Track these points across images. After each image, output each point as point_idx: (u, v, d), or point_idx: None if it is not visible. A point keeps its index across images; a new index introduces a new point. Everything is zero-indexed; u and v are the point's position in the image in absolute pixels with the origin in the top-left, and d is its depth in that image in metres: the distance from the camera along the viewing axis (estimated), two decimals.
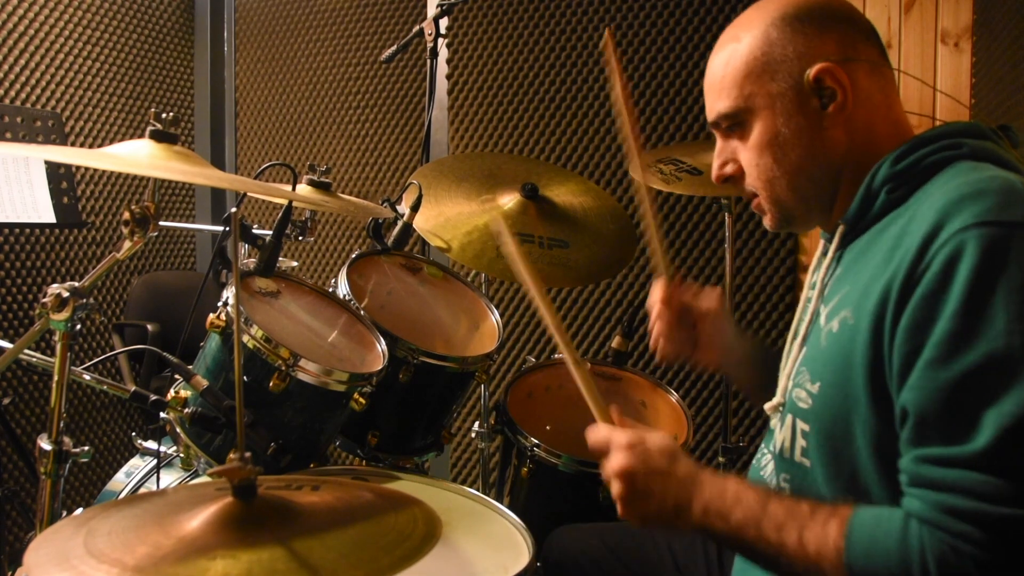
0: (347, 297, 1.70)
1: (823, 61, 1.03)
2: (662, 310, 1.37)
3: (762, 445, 1.21)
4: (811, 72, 1.03)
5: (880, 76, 1.06)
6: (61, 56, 2.83)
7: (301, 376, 1.44)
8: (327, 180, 1.77)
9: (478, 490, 1.49)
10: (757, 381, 1.37)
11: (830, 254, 1.09)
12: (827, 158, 1.06)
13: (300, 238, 1.99)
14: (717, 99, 1.10)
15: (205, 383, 1.41)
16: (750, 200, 1.15)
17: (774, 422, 1.15)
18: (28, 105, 2.71)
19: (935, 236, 0.89)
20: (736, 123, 1.10)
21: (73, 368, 1.28)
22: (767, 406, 1.14)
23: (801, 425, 1.05)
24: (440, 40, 2.38)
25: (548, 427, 1.89)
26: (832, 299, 1.05)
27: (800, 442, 1.05)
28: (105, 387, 1.49)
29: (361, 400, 1.53)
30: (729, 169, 1.14)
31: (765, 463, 1.18)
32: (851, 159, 1.06)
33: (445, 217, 2.02)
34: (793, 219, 1.13)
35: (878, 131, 1.05)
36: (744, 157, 1.11)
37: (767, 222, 1.15)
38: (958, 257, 0.86)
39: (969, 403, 0.85)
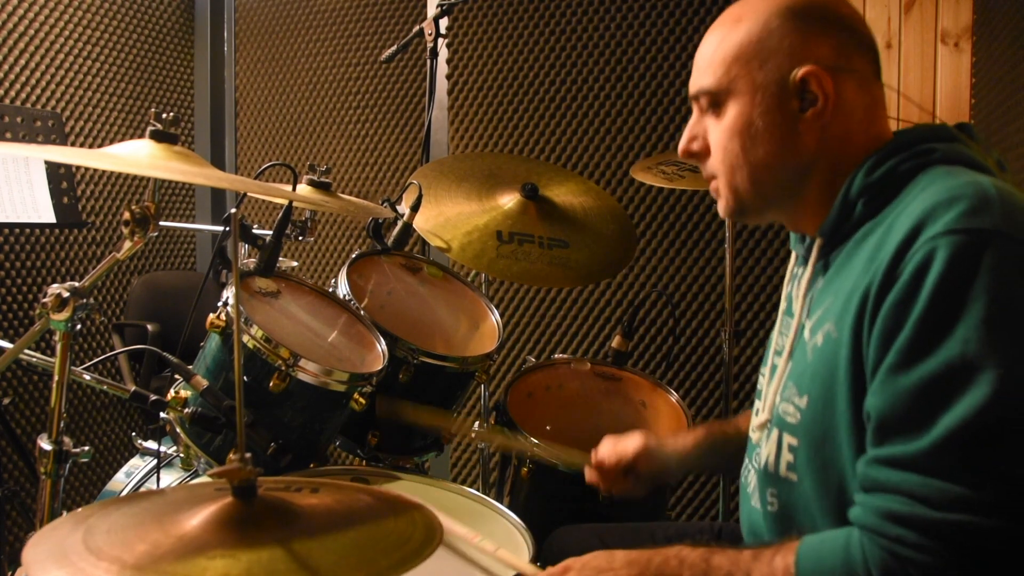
0: (347, 297, 1.70)
1: (814, 63, 1.02)
2: (599, 482, 1.46)
3: (745, 460, 1.21)
4: (799, 72, 1.02)
5: (868, 92, 1.05)
6: (61, 56, 2.83)
7: (301, 376, 1.44)
8: (327, 180, 1.77)
9: (478, 490, 1.49)
10: (712, 469, 1.39)
11: (810, 267, 1.08)
12: (794, 160, 1.05)
13: (300, 238, 1.99)
14: (703, 74, 1.09)
15: (205, 383, 1.41)
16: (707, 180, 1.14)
17: (756, 437, 1.15)
18: (28, 105, 2.71)
19: (909, 244, 0.89)
20: (715, 102, 1.08)
21: (73, 368, 1.28)
22: (754, 424, 1.14)
23: (788, 439, 1.05)
24: (440, 40, 2.38)
25: (548, 427, 1.89)
26: (815, 312, 1.04)
27: (786, 457, 1.05)
28: (105, 387, 1.49)
29: (361, 400, 1.53)
30: (696, 146, 1.12)
31: (748, 478, 1.18)
32: (820, 168, 1.05)
33: (445, 217, 2.02)
34: (746, 211, 1.11)
35: (853, 145, 1.04)
36: (714, 137, 1.09)
37: (720, 207, 1.13)
38: (928, 264, 0.86)
39: (923, 407, 0.85)
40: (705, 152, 1.12)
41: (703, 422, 2.66)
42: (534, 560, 1.24)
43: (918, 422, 0.85)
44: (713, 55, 1.08)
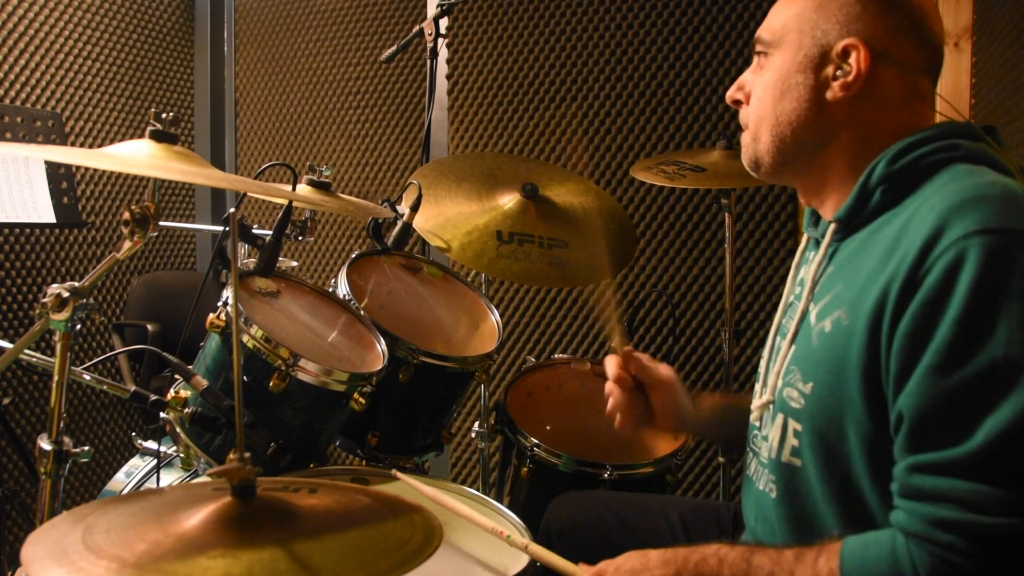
0: (347, 297, 1.70)
1: (860, 38, 1.03)
2: (614, 388, 1.34)
3: (748, 445, 1.21)
4: (843, 42, 1.03)
5: (910, 84, 1.05)
6: (61, 56, 2.83)
7: (301, 376, 1.44)
8: (327, 180, 1.77)
9: (478, 490, 1.49)
10: (723, 439, 1.47)
11: (821, 251, 1.08)
12: (817, 127, 1.06)
13: (300, 238, 1.99)
14: (766, 23, 1.12)
15: (205, 383, 1.41)
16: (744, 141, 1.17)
17: (755, 417, 1.15)
18: (28, 105, 2.71)
19: (936, 241, 0.88)
20: (764, 51, 1.11)
21: (73, 368, 1.27)
22: (755, 404, 1.14)
23: (793, 424, 1.04)
24: (440, 40, 2.38)
25: (548, 427, 1.89)
26: (823, 297, 1.04)
27: (791, 442, 1.05)
28: (105, 387, 1.49)
29: (361, 400, 1.53)
30: (739, 95, 1.16)
31: (750, 461, 1.18)
32: (841, 143, 1.06)
33: (445, 217, 2.02)
34: (762, 164, 1.13)
35: (882, 131, 1.04)
36: (755, 87, 1.13)
37: (742, 156, 1.17)
38: (960, 264, 0.86)
39: (966, 411, 0.85)
40: (747, 101, 1.15)
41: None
42: (535, 560, 1.24)
43: (961, 426, 0.84)
44: (780, 7, 1.11)
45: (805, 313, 1.07)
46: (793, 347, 1.08)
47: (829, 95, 1.05)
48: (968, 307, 0.85)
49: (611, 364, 1.35)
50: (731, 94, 1.17)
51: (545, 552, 1.16)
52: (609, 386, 1.35)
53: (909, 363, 0.88)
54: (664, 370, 1.36)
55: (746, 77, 1.16)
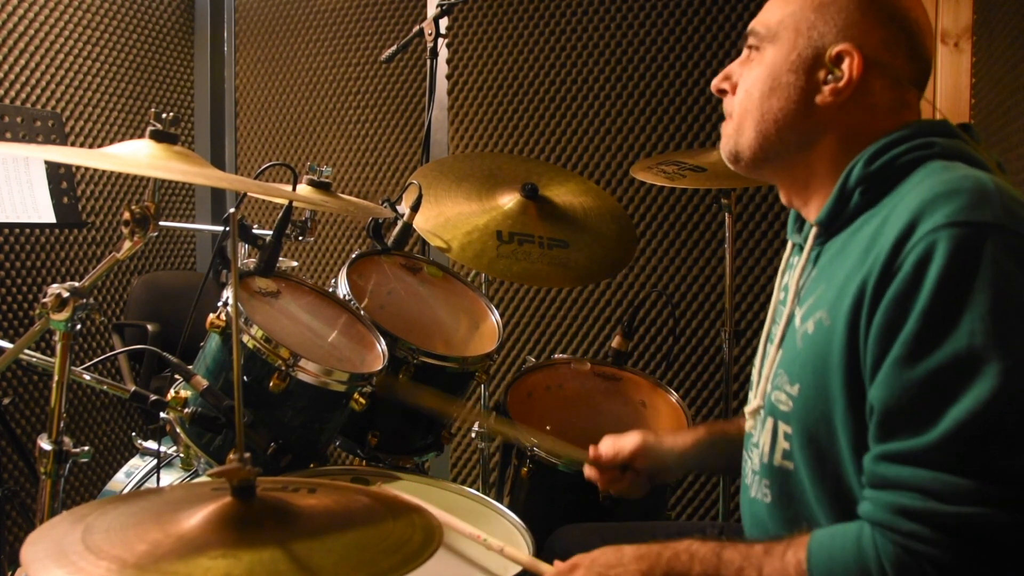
0: (347, 297, 1.70)
1: (855, 45, 1.02)
2: (597, 478, 1.45)
3: (744, 453, 1.21)
4: (837, 47, 1.03)
5: (899, 94, 1.05)
6: (61, 56, 2.83)
7: (301, 376, 1.44)
8: (327, 180, 1.77)
9: (478, 490, 1.49)
10: (714, 469, 1.52)
11: (804, 255, 1.09)
12: (803, 128, 1.06)
13: (300, 238, 1.99)
14: (762, 15, 1.11)
15: (205, 383, 1.41)
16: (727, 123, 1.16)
17: (750, 425, 1.15)
18: (28, 105, 2.71)
19: (908, 236, 0.89)
20: (756, 45, 1.10)
21: (73, 368, 1.28)
22: (746, 410, 1.15)
23: (783, 428, 1.05)
24: (440, 40, 2.38)
25: (548, 427, 1.89)
26: (807, 300, 1.05)
27: (782, 445, 1.05)
28: (105, 387, 1.49)
29: (361, 400, 1.53)
30: (725, 85, 1.15)
31: (747, 469, 1.18)
32: (826, 145, 1.06)
33: (445, 217, 2.02)
34: (741, 158, 1.13)
35: (867, 136, 1.05)
36: (743, 79, 1.12)
37: (721, 147, 1.16)
38: (929, 257, 0.87)
39: (930, 401, 0.85)
40: (732, 92, 1.14)
41: (703, 421, 2.68)
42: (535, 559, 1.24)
43: (925, 416, 0.85)
44: (778, 2, 1.10)
45: (791, 317, 1.08)
46: (780, 351, 1.09)
47: (818, 99, 1.05)
48: (934, 299, 0.86)
49: (589, 472, 1.45)
50: (716, 83, 1.16)
51: (519, 553, 1.18)
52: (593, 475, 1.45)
53: (881, 356, 0.89)
54: (629, 442, 1.41)
55: (733, 68, 1.15)
